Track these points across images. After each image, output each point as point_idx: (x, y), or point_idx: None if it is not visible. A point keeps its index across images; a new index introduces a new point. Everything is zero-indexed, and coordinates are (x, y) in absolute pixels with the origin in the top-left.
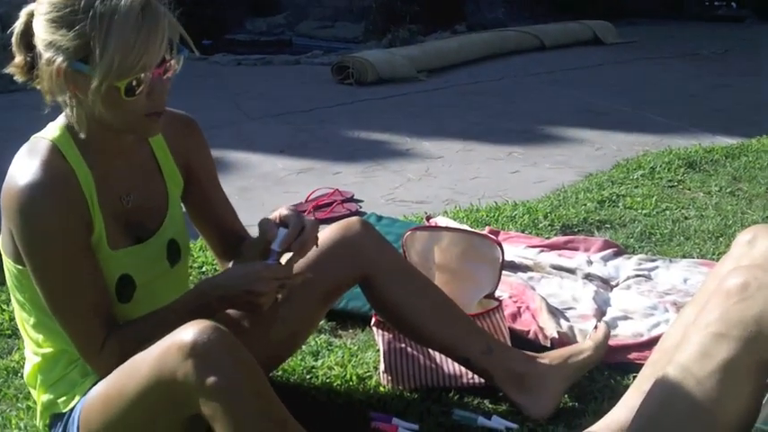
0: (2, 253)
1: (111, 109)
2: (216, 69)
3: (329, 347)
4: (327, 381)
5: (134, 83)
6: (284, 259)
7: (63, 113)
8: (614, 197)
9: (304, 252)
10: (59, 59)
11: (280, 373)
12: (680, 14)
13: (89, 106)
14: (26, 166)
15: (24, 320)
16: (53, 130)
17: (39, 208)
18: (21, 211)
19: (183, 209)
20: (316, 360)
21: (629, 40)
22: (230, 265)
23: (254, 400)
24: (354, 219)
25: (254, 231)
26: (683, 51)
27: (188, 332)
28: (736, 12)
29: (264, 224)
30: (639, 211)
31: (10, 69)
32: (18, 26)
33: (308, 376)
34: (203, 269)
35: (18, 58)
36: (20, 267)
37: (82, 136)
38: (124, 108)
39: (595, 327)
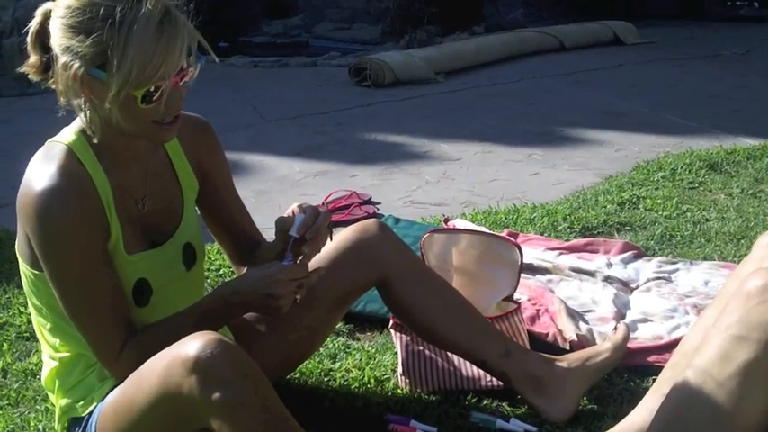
0: (18, 257)
1: (127, 116)
2: (232, 72)
3: (347, 350)
4: (345, 383)
5: (152, 90)
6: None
7: (78, 118)
8: (634, 199)
9: (317, 244)
10: (76, 65)
11: (297, 375)
12: (701, 15)
13: (104, 112)
14: (42, 170)
15: (41, 325)
16: (68, 134)
17: (55, 213)
18: (37, 216)
19: (198, 212)
20: (333, 362)
21: (649, 41)
22: (245, 269)
23: (259, 413)
24: (371, 221)
25: (270, 235)
26: (704, 52)
27: (192, 346)
28: (758, 11)
29: (281, 219)
30: (660, 213)
31: (24, 69)
32: (33, 26)
33: (325, 379)
34: (221, 272)
35: (33, 58)
36: (36, 272)
37: (95, 140)
38: (140, 115)
39: (615, 328)
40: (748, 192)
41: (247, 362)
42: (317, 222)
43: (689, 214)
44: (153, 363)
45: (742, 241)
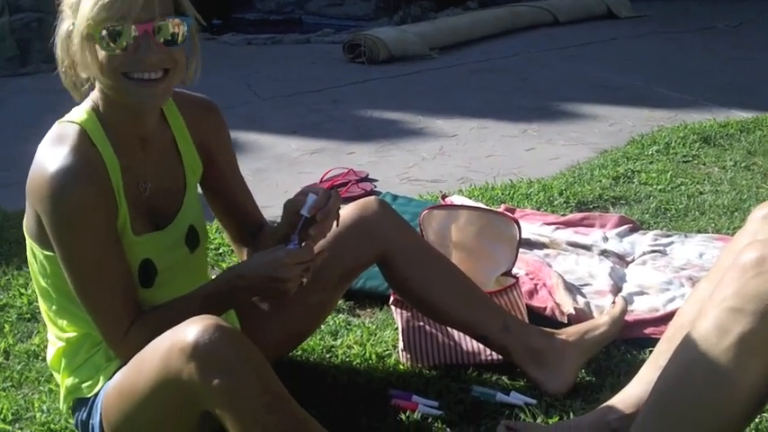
0: (27, 238)
1: (95, 63)
2: (225, 49)
3: (348, 327)
4: (347, 360)
5: (112, 31)
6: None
7: (89, 97)
8: (629, 173)
9: (325, 226)
10: (65, 25)
11: (299, 352)
12: None
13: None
14: (55, 151)
15: (47, 307)
16: (80, 113)
17: (70, 193)
18: (51, 197)
19: (201, 193)
20: (335, 339)
21: (642, 14)
22: (246, 251)
23: (260, 396)
24: (371, 198)
25: (268, 213)
26: (698, 25)
27: (190, 331)
28: None
29: (291, 201)
30: (654, 186)
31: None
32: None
33: (327, 355)
34: (220, 251)
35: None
36: (46, 253)
37: (101, 109)
38: (108, 65)
39: (613, 302)
40: (741, 164)
41: (246, 346)
42: (328, 204)
43: (683, 187)
44: (153, 347)
45: (735, 214)
